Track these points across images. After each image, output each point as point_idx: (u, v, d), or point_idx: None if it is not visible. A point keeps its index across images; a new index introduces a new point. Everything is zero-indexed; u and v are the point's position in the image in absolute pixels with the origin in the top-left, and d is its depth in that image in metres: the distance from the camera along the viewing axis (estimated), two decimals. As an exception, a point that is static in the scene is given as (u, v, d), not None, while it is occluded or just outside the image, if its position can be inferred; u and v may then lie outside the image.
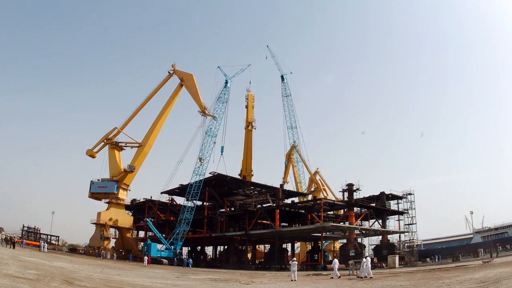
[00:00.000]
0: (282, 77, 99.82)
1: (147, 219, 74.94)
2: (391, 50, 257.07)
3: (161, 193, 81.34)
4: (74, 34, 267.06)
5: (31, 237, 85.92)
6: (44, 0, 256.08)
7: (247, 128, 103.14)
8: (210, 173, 74.23)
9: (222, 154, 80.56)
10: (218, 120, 74.12)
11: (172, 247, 68.49)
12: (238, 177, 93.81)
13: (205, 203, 79.70)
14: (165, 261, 61.73)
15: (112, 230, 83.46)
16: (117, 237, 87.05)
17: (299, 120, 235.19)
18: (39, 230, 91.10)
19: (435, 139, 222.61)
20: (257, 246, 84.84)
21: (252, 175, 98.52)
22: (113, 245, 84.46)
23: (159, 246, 67.84)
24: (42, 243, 65.71)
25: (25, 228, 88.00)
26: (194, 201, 71.16)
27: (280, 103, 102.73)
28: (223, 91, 77.05)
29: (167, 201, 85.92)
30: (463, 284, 18.26)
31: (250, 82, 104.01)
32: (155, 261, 61.06)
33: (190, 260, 60.11)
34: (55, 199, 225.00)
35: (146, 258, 56.97)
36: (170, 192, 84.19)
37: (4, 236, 73.54)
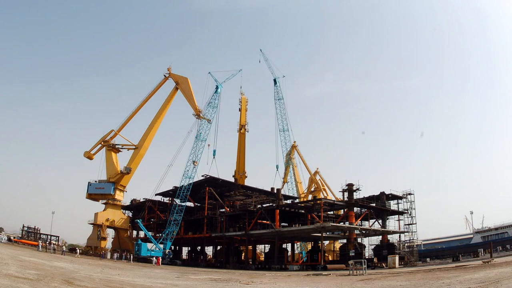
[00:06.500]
0: (274, 80, 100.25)
1: (138, 220, 75.59)
2: (391, 49, 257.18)
3: (156, 194, 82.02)
4: (72, 34, 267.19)
5: (31, 237, 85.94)
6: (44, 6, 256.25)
7: (240, 131, 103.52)
8: (202, 176, 75.08)
9: (214, 158, 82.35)
10: (209, 124, 75.11)
11: (162, 246, 69.67)
12: (233, 178, 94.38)
13: (205, 203, 79.72)
14: (154, 260, 62.61)
15: (109, 230, 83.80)
16: (113, 237, 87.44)
17: (299, 120, 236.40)
18: (39, 230, 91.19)
19: (435, 139, 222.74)
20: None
21: (246, 177, 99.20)
22: (110, 245, 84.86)
23: (149, 245, 68.96)
24: (52, 245, 66.64)
25: (25, 228, 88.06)
26: (182, 204, 72.04)
27: (273, 106, 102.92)
28: (214, 97, 78.41)
29: (167, 201, 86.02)
30: (463, 284, 18.25)
31: (241, 87, 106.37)
32: (145, 260, 63.06)
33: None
34: (55, 199, 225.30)
35: (155, 259, 58.68)
36: (164, 194, 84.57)
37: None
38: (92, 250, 76.90)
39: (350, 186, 60.02)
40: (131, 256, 62.56)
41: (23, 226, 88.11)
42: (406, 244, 64.74)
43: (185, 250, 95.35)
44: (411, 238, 64.17)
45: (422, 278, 24.50)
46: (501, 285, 16.60)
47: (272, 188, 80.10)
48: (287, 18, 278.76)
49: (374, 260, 55.87)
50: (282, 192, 79.20)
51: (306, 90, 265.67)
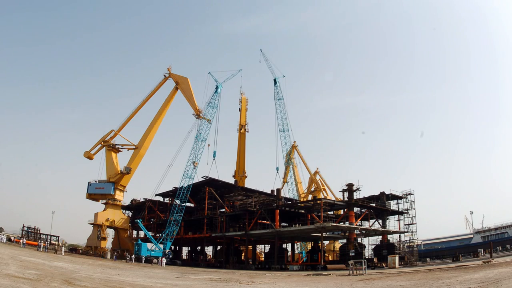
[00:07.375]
0: (274, 80, 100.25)
1: (138, 220, 75.51)
2: (391, 50, 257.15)
3: (156, 195, 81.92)
4: (73, 34, 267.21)
5: (31, 237, 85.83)
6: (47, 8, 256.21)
7: (240, 131, 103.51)
8: (202, 177, 75.06)
9: (214, 159, 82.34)
10: (209, 124, 75.13)
11: (162, 246, 69.68)
12: (232, 179, 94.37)
13: (205, 204, 79.72)
14: (155, 260, 62.70)
15: (109, 230, 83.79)
16: (113, 237, 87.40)
17: (299, 120, 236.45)
18: (39, 230, 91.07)
19: (435, 139, 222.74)
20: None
21: (246, 177, 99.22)
22: (110, 245, 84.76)
23: (149, 245, 68.96)
24: (63, 248, 66.63)
25: (25, 228, 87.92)
26: (182, 204, 72.10)
27: (273, 106, 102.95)
28: (214, 97, 78.42)
29: (167, 202, 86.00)
30: (463, 284, 18.24)
31: (241, 87, 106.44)
32: (146, 260, 63.30)
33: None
34: (55, 199, 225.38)
35: (163, 259, 58.90)
36: (164, 194, 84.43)
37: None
38: (92, 250, 76.85)
39: (350, 186, 60.00)
40: (133, 257, 62.55)
41: (23, 226, 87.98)
42: (406, 244, 64.69)
43: (185, 250, 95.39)
44: (411, 238, 64.14)
45: (422, 278, 24.50)
46: (501, 285, 16.60)
47: (272, 191, 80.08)
48: (287, 29, 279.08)
49: (374, 260, 55.83)
50: (282, 193, 79.25)
51: (308, 104, 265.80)
